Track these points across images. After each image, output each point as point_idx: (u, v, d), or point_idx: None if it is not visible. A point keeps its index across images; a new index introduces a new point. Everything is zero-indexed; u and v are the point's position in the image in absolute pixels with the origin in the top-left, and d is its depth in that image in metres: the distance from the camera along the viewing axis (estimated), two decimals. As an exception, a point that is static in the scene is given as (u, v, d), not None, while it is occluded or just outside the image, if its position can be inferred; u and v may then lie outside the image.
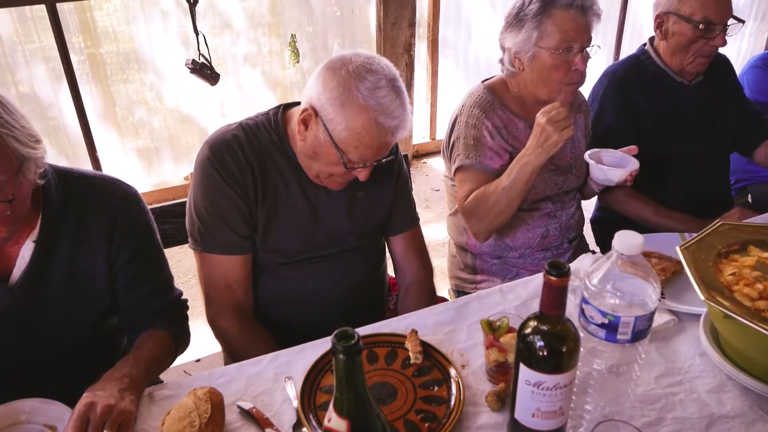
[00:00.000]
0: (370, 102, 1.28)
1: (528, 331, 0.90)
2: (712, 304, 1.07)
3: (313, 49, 3.89)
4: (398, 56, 3.80)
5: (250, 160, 1.42)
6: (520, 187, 1.60)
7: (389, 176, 1.60)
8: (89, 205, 1.27)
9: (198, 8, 3.15)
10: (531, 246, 1.84)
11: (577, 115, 1.87)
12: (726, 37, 1.89)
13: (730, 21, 1.89)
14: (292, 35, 3.78)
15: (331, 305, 1.56)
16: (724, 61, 2.15)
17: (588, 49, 1.65)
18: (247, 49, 3.73)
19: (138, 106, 3.61)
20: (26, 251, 1.21)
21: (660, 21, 1.95)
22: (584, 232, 2.07)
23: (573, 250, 1.91)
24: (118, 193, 1.33)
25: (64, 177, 1.27)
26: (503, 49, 1.73)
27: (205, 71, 3.13)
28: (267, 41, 3.76)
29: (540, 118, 1.53)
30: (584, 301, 0.94)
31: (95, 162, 3.40)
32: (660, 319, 1.31)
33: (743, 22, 1.92)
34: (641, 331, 0.92)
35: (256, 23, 3.68)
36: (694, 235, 1.28)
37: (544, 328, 0.89)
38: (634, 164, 1.66)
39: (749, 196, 2.46)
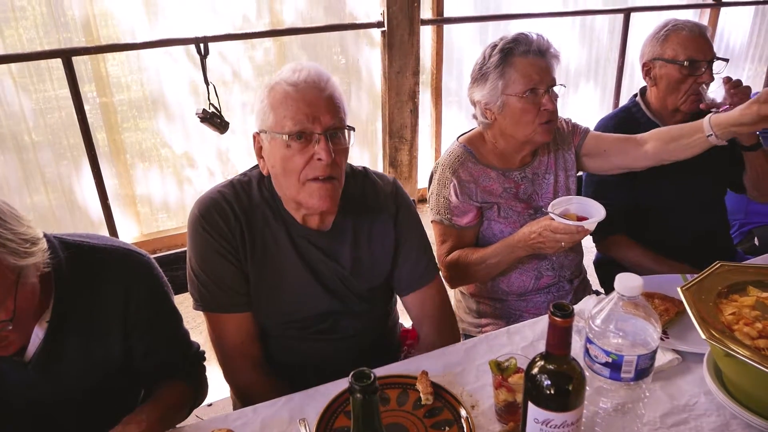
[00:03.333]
0: (277, 78, 1.36)
1: (535, 370, 0.94)
2: (714, 343, 1.10)
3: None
4: (403, 103, 3.91)
5: (239, 217, 1.42)
6: (502, 267, 1.80)
7: (386, 219, 1.54)
8: (102, 280, 1.26)
9: (208, 59, 3.28)
10: (527, 289, 1.89)
11: (558, 152, 1.93)
12: (714, 74, 1.97)
13: (716, 63, 1.98)
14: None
15: (341, 364, 1.48)
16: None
17: (555, 89, 1.73)
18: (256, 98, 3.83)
19: (148, 154, 3.70)
20: (39, 330, 1.20)
21: (647, 69, 2.05)
22: (588, 274, 2.12)
23: (574, 291, 1.95)
24: (131, 265, 1.31)
25: (75, 251, 1.25)
26: (474, 103, 1.82)
27: (215, 120, 3.23)
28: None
29: (544, 231, 1.60)
30: (588, 341, 0.98)
31: (107, 210, 3.46)
32: (664, 358, 1.34)
33: (727, 60, 2.00)
34: (644, 369, 0.96)
35: (263, 72, 3.79)
36: (696, 276, 1.32)
37: (551, 367, 0.93)
38: (599, 215, 1.58)
39: (756, 239, 2.49)
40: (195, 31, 3.30)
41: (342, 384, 1.30)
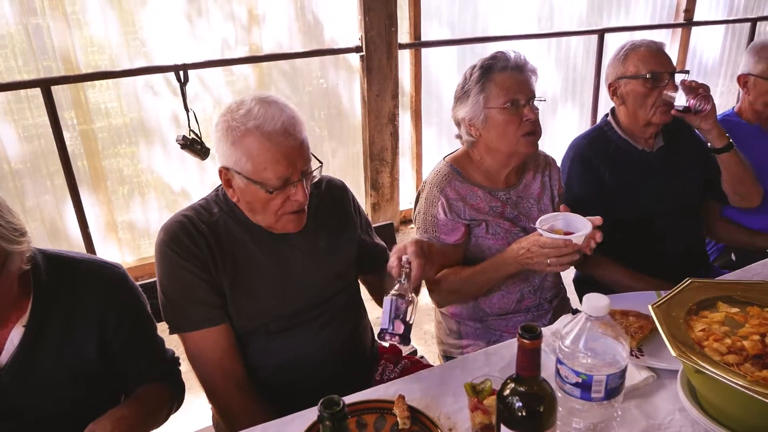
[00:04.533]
0: (249, 123, 1.37)
1: (507, 392, 0.95)
2: (684, 360, 1.12)
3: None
4: (383, 126, 3.94)
5: (204, 233, 1.48)
6: (491, 284, 1.82)
7: (346, 221, 1.69)
8: (80, 290, 1.32)
9: (188, 87, 3.29)
10: (508, 310, 1.90)
11: (544, 176, 1.96)
12: (676, 87, 2.02)
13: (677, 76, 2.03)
14: (279, 109, 3.90)
15: (318, 369, 1.59)
16: (684, 124, 2.27)
17: (536, 102, 1.78)
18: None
19: (129, 180, 3.69)
20: (15, 335, 1.24)
21: (613, 89, 2.10)
22: (568, 292, 2.14)
23: (553, 310, 1.96)
24: (107, 277, 1.38)
25: (54, 261, 1.32)
26: (458, 123, 1.86)
27: (195, 146, 3.23)
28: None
29: (533, 246, 1.60)
30: (559, 361, 0.99)
31: (86, 237, 3.44)
32: (639, 376, 1.35)
33: (687, 72, 2.07)
34: (614, 388, 0.97)
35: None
36: (667, 293, 1.34)
37: (522, 389, 0.94)
38: (586, 229, 1.58)
39: (732, 254, 2.53)
40: (175, 59, 3.31)
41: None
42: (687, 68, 5.10)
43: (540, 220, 1.64)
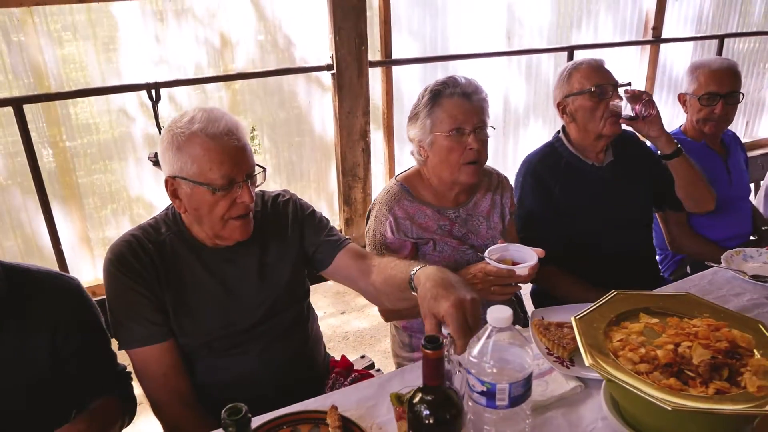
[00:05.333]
0: (193, 127, 1.42)
1: (415, 401, 0.99)
2: (596, 368, 1.16)
3: (273, 140, 4.07)
4: (354, 143, 4.00)
5: (149, 253, 1.52)
6: None
7: (285, 228, 1.68)
8: (33, 297, 1.37)
9: (162, 108, 3.34)
10: None
11: (495, 196, 2.01)
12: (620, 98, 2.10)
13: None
14: (252, 128, 3.96)
15: (266, 384, 1.62)
16: (632, 138, 2.34)
17: (488, 130, 1.83)
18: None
19: (104, 198, 3.72)
20: None
21: (562, 107, 2.17)
22: (526, 304, 2.19)
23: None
24: (60, 287, 1.44)
25: (9, 271, 1.37)
26: (410, 141, 1.92)
27: (165, 164, 3.26)
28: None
29: (479, 273, 1.66)
30: (467, 371, 1.04)
31: (59, 255, 3.47)
32: (567, 386, 1.40)
33: (630, 83, 2.14)
34: (518, 396, 1.01)
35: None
36: (591, 304, 1.39)
37: (428, 398, 0.99)
38: (532, 261, 1.65)
39: (688, 267, 2.59)
40: (147, 78, 3.37)
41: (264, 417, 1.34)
42: (656, 84, 5.20)
43: (489, 250, 1.70)
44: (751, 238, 2.66)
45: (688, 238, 2.48)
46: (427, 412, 0.98)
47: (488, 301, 1.88)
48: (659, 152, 2.18)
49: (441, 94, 1.80)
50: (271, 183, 4.10)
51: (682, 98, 2.52)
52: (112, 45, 3.46)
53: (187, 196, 1.48)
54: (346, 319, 3.53)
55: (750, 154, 2.85)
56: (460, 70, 4.42)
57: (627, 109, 2.08)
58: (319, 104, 4.08)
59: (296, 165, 4.15)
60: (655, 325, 1.32)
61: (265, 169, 1.56)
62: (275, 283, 1.65)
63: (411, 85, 4.35)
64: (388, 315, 1.95)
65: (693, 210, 2.32)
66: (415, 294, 1.34)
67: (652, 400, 1.06)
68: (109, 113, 3.57)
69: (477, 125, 1.80)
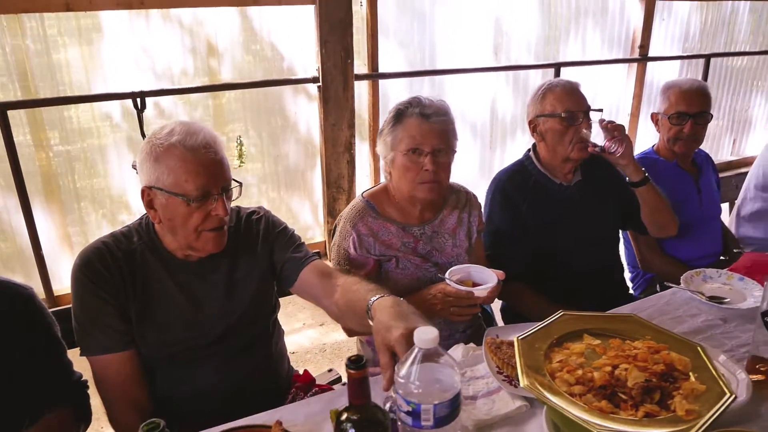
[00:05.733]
0: (171, 139, 1.46)
1: (342, 419, 1.01)
2: (531, 389, 1.18)
3: (260, 149, 4.10)
4: (339, 155, 4.03)
5: (118, 261, 1.54)
6: None
7: (255, 245, 1.70)
8: None
9: (148, 117, 3.37)
10: None
11: (463, 213, 2.03)
12: (591, 124, 2.12)
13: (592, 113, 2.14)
14: (238, 137, 3.99)
15: (227, 398, 1.63)
16: (601, 159, 2.36)
17: (451, 155, 1.86)
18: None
19: (88, 204, 3.74)
20: None
21: (533, 126, 2.19)
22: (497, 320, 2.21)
23: (467, 340, 2.01)
24: (11, 294, 1.45)
25: None
26: (379, 155, 1.93)
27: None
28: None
29: (438, 293, 1.71)
30: (395, 390, 1.06)
31: (39, 259, 3.48)
32: (512, 405, 1.41)
33: (601, 110, 2.16)
34: (443, 417, 1.03)
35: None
36: (537, 324, 1.41)
37: (354, 417, 1.01)
38: (491, 280, 1.71)
39: (657, 286, 2.61)
40: (133, 86, 3.40)
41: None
42: (644, 100, 5.23)
43: (450, 271, 1.74)
44: (722, 258, 2.68)
45: (657, 257, 2.50)
46: (353, 430, 0.99)
47: (450, 321, 1.93)
48: (627, 179, 2.20)
49: (403, 113, 1.83)
50: (256, 192, 4.13)
51: (654, 117, 2.55)
52: (99, 51, 3.49)
53: (162, 206, 1.51)
54: (324, 331, 3.54)
55: (735, 172, 2.89)
56: (448, 82, 4.46)
57: (599, 137, 2.10)
58: (305, 114, 4.11)
59: (282, 175, 4.18)
60: (597, 346, 1.34)
61: (241, 183, 1.58)
62: (242, 299, 1.67)
63: (399, 97, 4.35)
64: (350, 331, 1.97)
65: (656, 235, 2.36)
66: (371, 323, 1.36)
67: (579, 422, 1.08)
68: (95, 120, 3.60)
69: (436, 147, 1.81)
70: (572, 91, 2.14)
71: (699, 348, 1.31)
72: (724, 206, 2.91)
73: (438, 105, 1.85)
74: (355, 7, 3.81)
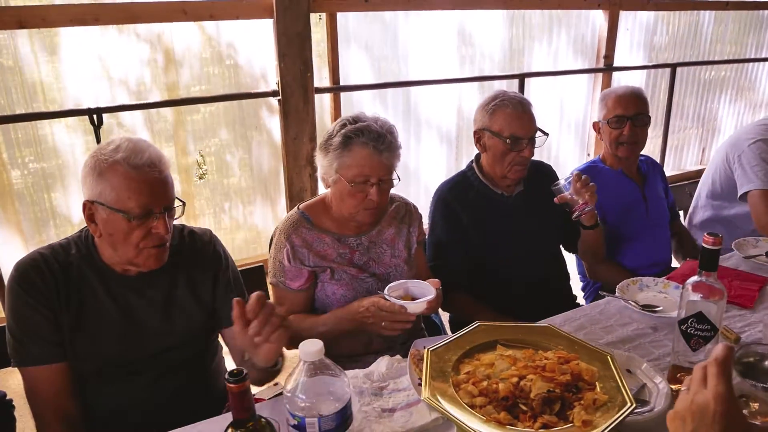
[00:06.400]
0: (117, 156, 1.46)
1: (229, 435, 1.00)
2: (431, 401, 1.17)
3: (220, 163, 4.08)
4: (301, 168, 4.02)
5: (54, 273, 1.53)
6: (333, 335, 1.81)
7: (200, 269, 1.70)
8: None
9: (107, 128, 3.35)
10: (358, 353, 1.94)
11: (402, 225, 2.03)
12: (534, 148, 2.12)
13: (538, 134, 2.13)
14: (199, 152, 3.97)
15: (160, 413, 1.60)
16: (546, 170, 2.38)
17: (395, 180, 1.85)
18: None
19: (45, 223, 3.71)
20: None
21: (478, 137, 2.20)
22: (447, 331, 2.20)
23: (407, 352, 2.01)
24: None
25: None
26: (318, 166, 1.92)
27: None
28: (173, 157, 3.94)
29: (372, 307, 1.73)
30: (284, 404, 1.05)
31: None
32: (429, 417, 1.40)
33: (547, 134, 2.16)
34: (329, 430, 1.02)
35: (163, 139, 3.87)
36: (451, 335, 1.40)
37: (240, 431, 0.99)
38: (430, 294, 1.73)
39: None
40: (89, 101, 3.38)
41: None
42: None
43: (389, 287, 1.74)
44: (674, 265, 2.69)
45: (604, 267, 2.51)
46: (238, 446, 0.98)
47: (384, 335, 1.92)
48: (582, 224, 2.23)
49: (353, 140, 1.77)
50: (215, 208, 4.11)
51: (596, 126, 2.57)
52: (55, 66, 3.47)
53: (103, 221, 1.50)
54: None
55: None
56: (414, 90, 4.46)
57: (566, 186, 2.11)
58: (269, 126, 4.10)
59: (244, 190, 4.16)
60: (508, 357, 1.33)
61: (184, 203, 1.59)
62: (179, 316, 1.66)
63: (366, 108, 4.38)
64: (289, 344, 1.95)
65: (584, 260, 2.48)
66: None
67: (471, 433, 1.08)
68: (54, 136, 3.58)
69: (383, 178, 1.80)
70: (523, 114, 2.12)
71: (609, 357, 1.32)
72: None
73: (387, 131, 1.80)
74: (314, 20, 3.82)
